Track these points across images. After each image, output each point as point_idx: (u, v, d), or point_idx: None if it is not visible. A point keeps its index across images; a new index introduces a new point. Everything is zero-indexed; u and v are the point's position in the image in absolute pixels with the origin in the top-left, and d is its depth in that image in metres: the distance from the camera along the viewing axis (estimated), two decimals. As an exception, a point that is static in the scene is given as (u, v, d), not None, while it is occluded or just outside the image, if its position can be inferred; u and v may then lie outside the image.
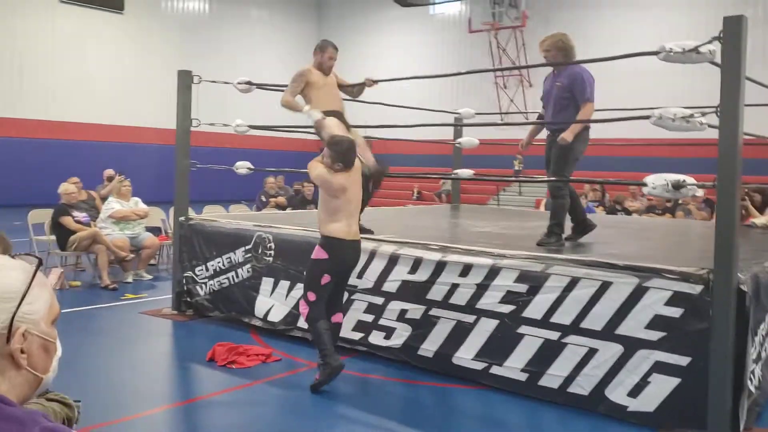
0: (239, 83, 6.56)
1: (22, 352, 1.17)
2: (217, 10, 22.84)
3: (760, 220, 7.08)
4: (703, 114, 3.85)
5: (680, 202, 9.42)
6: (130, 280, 7.82)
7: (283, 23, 24.94)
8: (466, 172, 8.99)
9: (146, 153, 18.76)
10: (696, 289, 3.68)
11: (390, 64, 23.00)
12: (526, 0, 19.97)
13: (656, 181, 3.93)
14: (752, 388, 3.83)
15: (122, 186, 8.16)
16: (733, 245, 3.58)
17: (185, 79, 6.30)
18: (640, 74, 16.18)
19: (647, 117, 4.09)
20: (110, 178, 9.87)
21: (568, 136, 4.93)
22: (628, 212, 10.03)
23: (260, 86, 6.72)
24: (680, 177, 3.89)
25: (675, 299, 3.74)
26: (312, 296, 4.39)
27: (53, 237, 7.75)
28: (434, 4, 22.95)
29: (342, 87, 5.97)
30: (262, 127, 6.97)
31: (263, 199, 11.29)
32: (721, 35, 3.66)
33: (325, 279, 4.39)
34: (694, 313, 3.69)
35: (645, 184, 4.00)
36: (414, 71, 22.55)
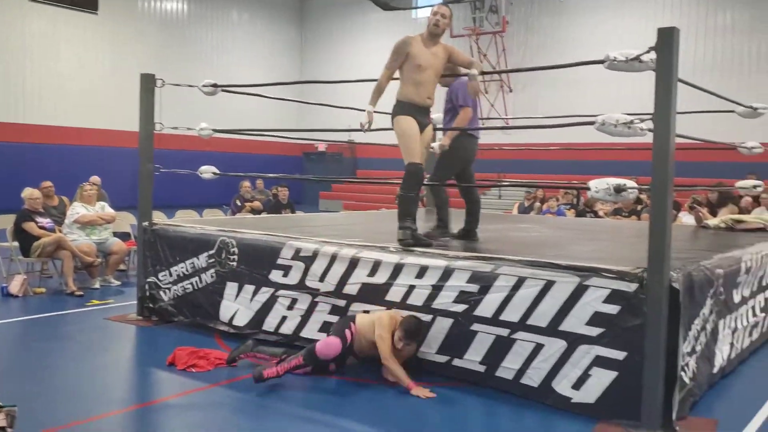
0: (204, 86, 6.72)
1: None
2: (197, 11, 23.03)
3: (712, 221, 7.44)
4: (642, 120, 4.12)
5: (646, 204, 9.76)
6: (97, 286, 7.98)
7: (265, 26, 25.22)
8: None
9: (121, 157, 18.89)
10: (631, 287, 3.95)
11: (372, 67, 23.36)
12: (506, 6, 20.38)
13: (599, 185, 4.20)
14: (686, 380, 4.11)
15: (84, 191, 8.28)
16: (664, 245, 3.85)
17: (148, 83, 6.45)
18: (607, 80, 16.74)
19: (592, 123, 4.37)
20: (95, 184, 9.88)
21: (446, 141, 5.76)
22: (597, 215, 10.35)
23: (225, 89, 6.87)
24: (621, 181, 4.16)
25: (612, 297, 4.01)
26: None
27: (15, 243, 7.85)
28: (416, 8, 23.30)
29: (455, 65, 5.48)
30: (227, 131, 7.14)
31: (238, 203, 11.50)
32: (656, 45, 3.93)
33: None
34: (630, 309, 3.96)
35: (588, 188, 4.27)
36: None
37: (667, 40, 3.89)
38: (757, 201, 9.70)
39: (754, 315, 5.73)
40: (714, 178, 12.71)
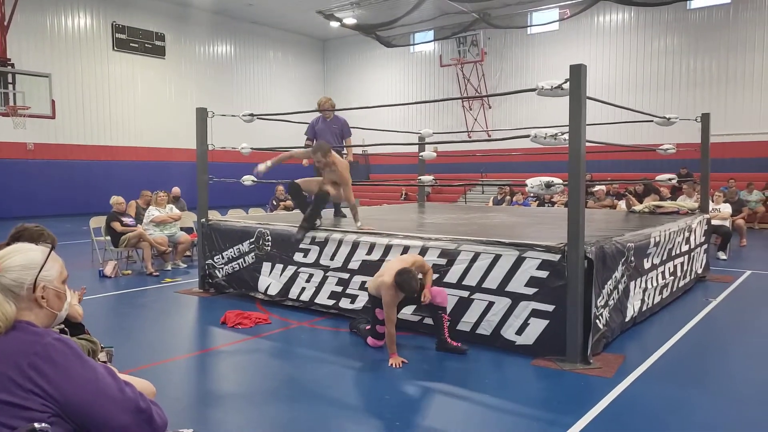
0: (243, 115, 7.06)
1: (43, 298, 1.56)
2: (241, 52, 23.39)
3: (638, 207, 7.62)
4: (562, 133, 4.37)
5: (592, 193, 9.95)
6: (169, 268, 8.35)
7: (294, 62, 25.49)
8: (426, 179, 9.52)
9: (186, 169, 19.30)
10: (556, 257, 4.22)
11: (379, 93, 23.68)
12: (484, 40, 20.51)
13: (534, 182, 4.45)
14: (600, 326, 4.36)
15: (158, 197, 8.68)
16: (579, 225, 4.11)
17: (202, 114, 6.81)
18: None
19: (527, 135, 4.62)
20: (176, 197, 10.28)
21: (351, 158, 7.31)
22: (552, 204, 10.56)
23: (260, 117, 7.20)
24: (551, 179, 4.42)
25: (543, 265, 4.28)
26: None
27: (108, 237, 8.26)
28: (413, 45, 23.45)
29: None
30: (261, 149, 7.47)
31: (274, 203, 11.80)
32: (569, 78, 4.19)
33: None
34: (556, 274, 4.22)
35: (526, 185, 4.54)
36: (397, 98, 23.07)
37: (576, 73, 4.14)
38: (680, 189, 9.82)
39: (664, 278, 5.93)
40: (642, 173, 12.83)
